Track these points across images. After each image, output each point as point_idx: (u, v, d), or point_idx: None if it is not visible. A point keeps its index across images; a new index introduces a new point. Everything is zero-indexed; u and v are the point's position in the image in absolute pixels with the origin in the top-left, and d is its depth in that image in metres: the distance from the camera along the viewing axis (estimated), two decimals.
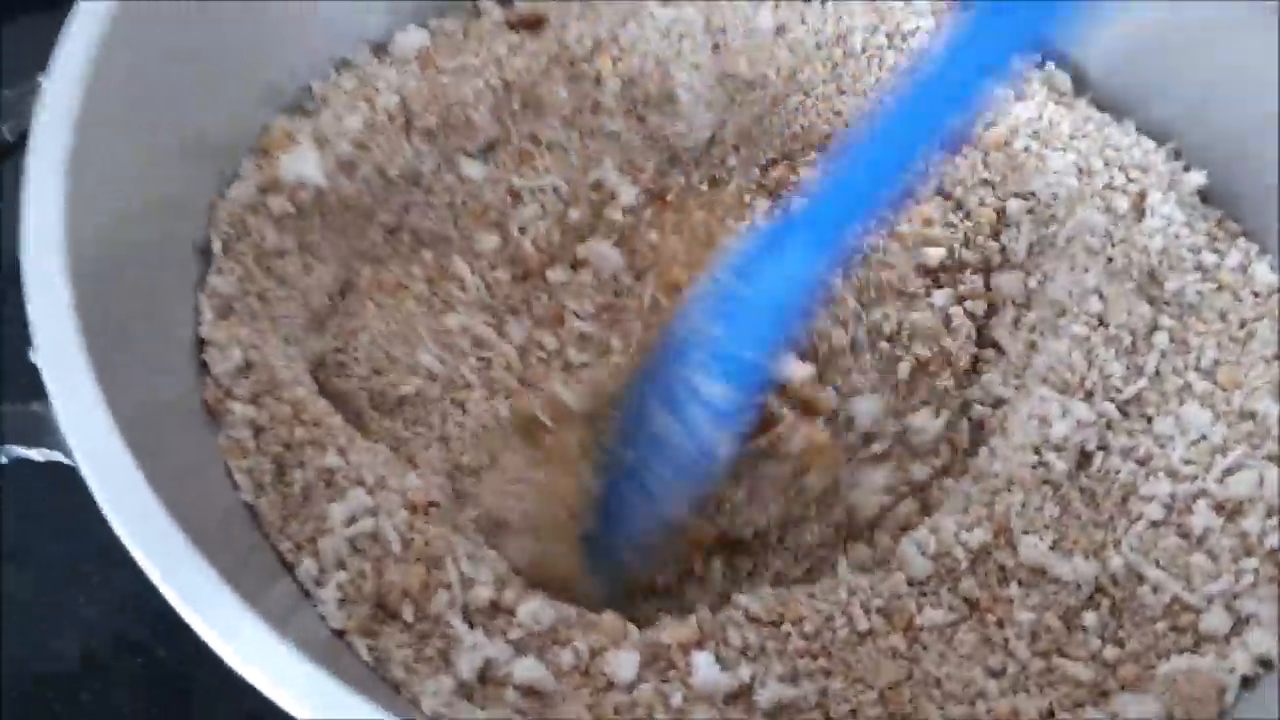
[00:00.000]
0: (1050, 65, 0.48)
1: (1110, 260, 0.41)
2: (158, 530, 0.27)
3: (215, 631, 0.27)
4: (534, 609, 0.34)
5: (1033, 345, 0.41)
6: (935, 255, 0.44)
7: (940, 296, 0.43)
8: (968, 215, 0.45)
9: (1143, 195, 0.43)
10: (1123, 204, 0.43)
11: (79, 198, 0.32)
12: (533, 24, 0.48)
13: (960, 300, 0.44)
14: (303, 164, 0.41)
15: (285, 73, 0.44)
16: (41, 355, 0.29)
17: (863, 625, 0.34)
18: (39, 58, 0.34)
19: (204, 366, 0.36)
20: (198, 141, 0.39)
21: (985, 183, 0.46)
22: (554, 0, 0.48)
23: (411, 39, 0.46)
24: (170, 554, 0.27)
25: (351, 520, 0.34)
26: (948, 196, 0.46)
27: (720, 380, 0.33)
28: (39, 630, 0.41)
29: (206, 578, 0.27)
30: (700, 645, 0.33)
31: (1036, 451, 0.37)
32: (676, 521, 0.37)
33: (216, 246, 0.38)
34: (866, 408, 0.41)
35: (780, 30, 0.48)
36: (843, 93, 0.48)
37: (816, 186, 0.32)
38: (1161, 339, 0.39)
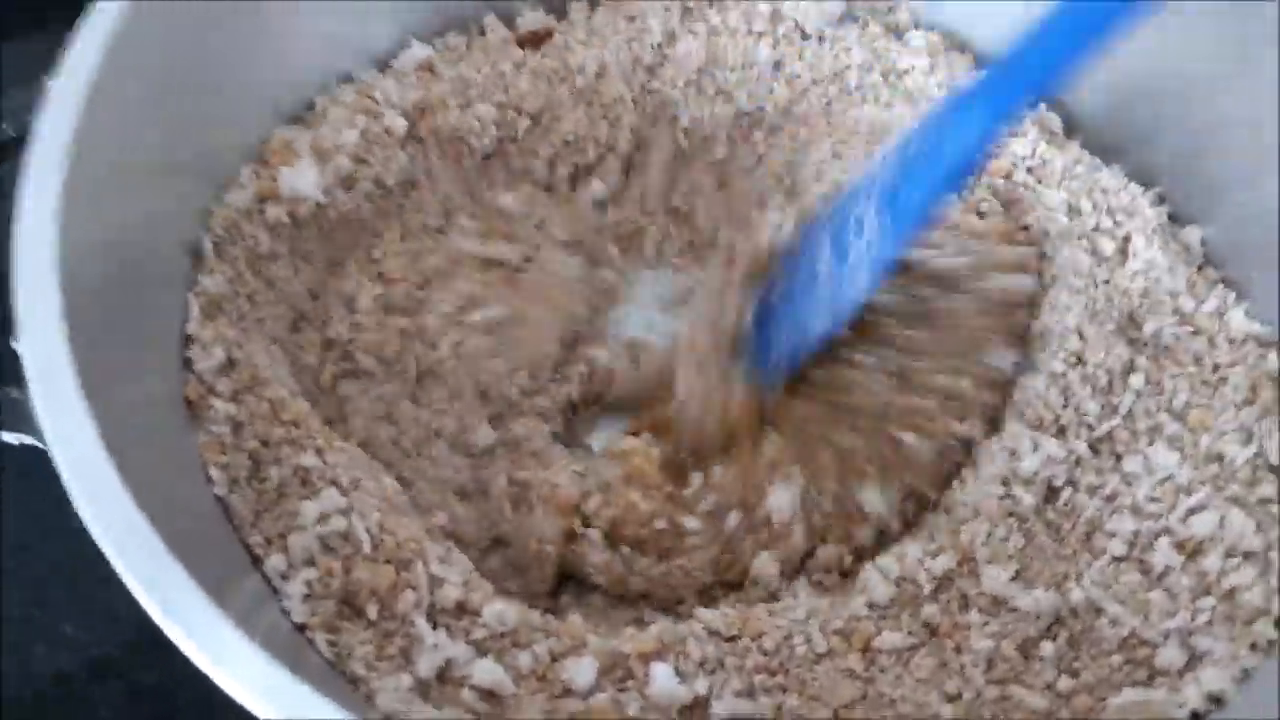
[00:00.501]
0: (1042, 107, 0.49)
1: (1092, 300, 0.42)
2: (125, 520, 0.28)
3: (178, 626, 0.27)
4: (499, 610, 0.34)
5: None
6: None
7: None
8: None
9: (1128, 239, 0.43)
10: (1108, 246, 0.44)
11: (75, 195, 0.33)
12: (539, 40, 0.50)
13: None
14: (301, 180, 0.42)
15: (288, 86, 0.45)
16: (24, 343, 0.29)
17: (821, 645, 0.34)
18: (40, 70, 0.35)
19: (188, 363, 0.36)
20: (198, 149, 0.40)
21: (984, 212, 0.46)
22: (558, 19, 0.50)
23: (415, 54, 0.48)
24: (135, 544, 0.28)
25: (324, 518, 0.35)
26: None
27: (888, 217, 0.36)
28: (19, 648, 0.41)
29: (171, 569, 0.28)
30: (659, 656, 0.34)
31: (1004, 484, 0.37)
32: (821, 338, 0.40)
33: (208, 248, 0.39)
34: None
35: (778, 65, 0.49)
36: (837, 128, 0.49)
37: (989, 68, 0.36)
38: (1137, 380, 0.40)
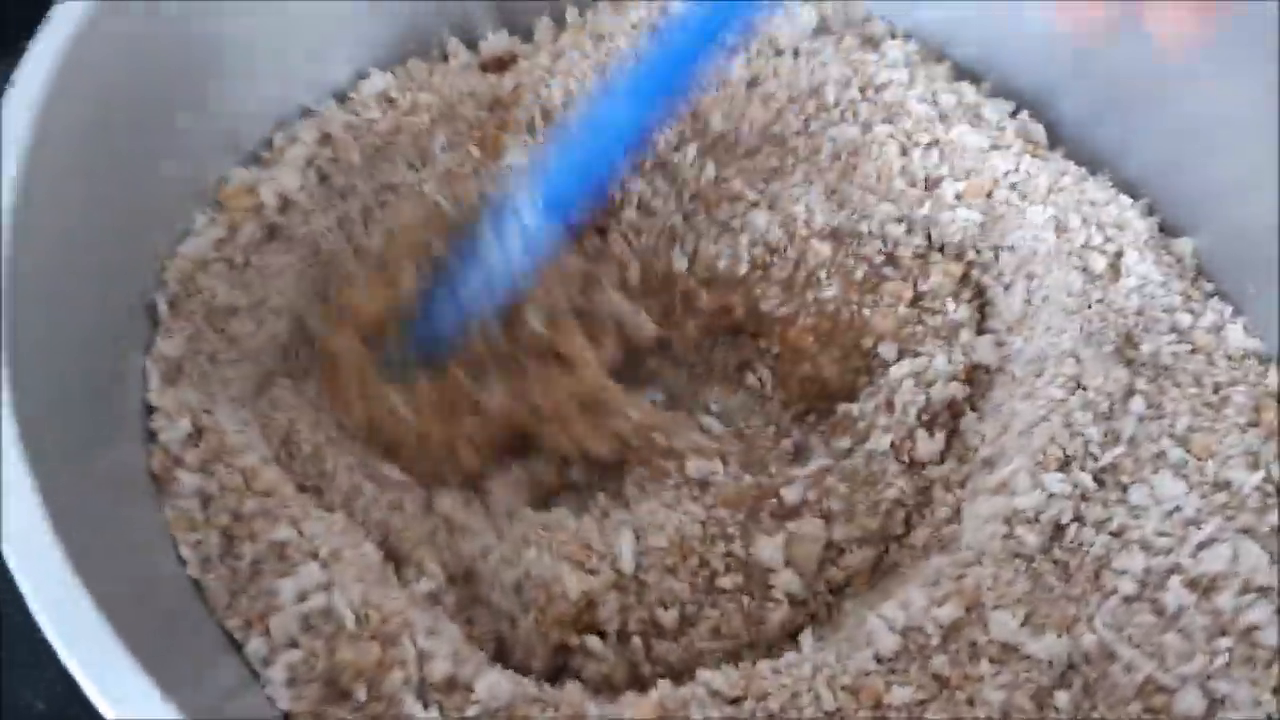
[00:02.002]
0: (1024, 116, 0.48)
1: (1087, 321, 0.41)
2: (77, 614, 0.26)
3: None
4: (491, 683, 0.33)
5: (1011, 410, 0.40)
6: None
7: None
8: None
9: (1119, 254, 0.42)
10: (1100, 264, 0.42)
11: (21, 251, 0.31)
12: (503, 65, 0.48)
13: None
14: (257, 216, 0.40)
15: (244, 121, 0.43)
16: None
17: (829, 703, 0.33)
18: None
19: (151, 434, 0.34)
20: (150, 193, 0.38)
21: (963, 235, 0.45)
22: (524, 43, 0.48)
23: (374, 84, 0.46)
24: (89, 641, 0.26)
25: (303, 596, 0.33)
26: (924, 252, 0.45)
27: (541, 206, 0.39)
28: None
29: (126, 666, 0.26)
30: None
31: (1007, 523, 0.36)
32: (474, 323, 0.42)
33: (163, 307, 0.37)
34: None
35: (753, 83, 0.47)
36: (818, 149, 0.47)
37: (626, 72, 0.39)
38: (1138, 404, 0.38)
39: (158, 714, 0.26)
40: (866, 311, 0.44)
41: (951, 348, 0.42)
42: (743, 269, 0.45)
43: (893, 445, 0.40)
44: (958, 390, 0.41)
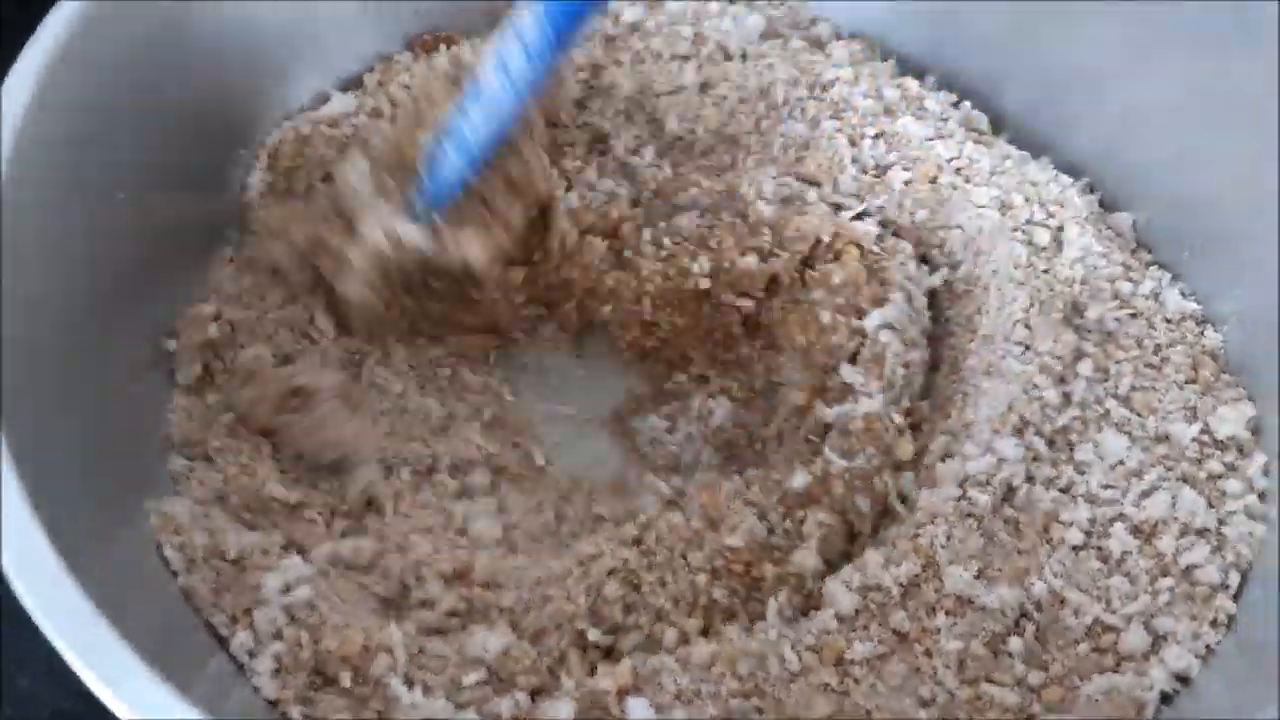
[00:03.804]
0: (967, 105, 0.50)
1: (1035, 291, 0.42)
2: (90, 634, 0.27)
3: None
4: (481, 639, 0.35)
5: (964, 378, 0.42)
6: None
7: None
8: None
9: (1061, 229, 0.44)
10: (1043, 237, 0.44)
11: (5, 267, 0.33)
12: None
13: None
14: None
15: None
16: None
17: (794, 664, 0.34)
18: None
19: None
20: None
21: (912, 218, 0.47)
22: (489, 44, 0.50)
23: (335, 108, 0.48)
24: (98, 647, 0.27)
25: (287, 589, 0.34)
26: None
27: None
28: None
29: (128, 660, 0.27)
30: (635, 691, 0.34)
31: (960, 486, 0.37)
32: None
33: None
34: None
35: (705, 87, 0.50)
36: (767, 145, 0.49)
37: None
38: (1085, 367, 0.40)
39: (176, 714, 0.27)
40: (813, 271, 0.45)
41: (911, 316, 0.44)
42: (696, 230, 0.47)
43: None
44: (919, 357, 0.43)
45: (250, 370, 0.41)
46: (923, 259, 0.46)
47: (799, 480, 0.39)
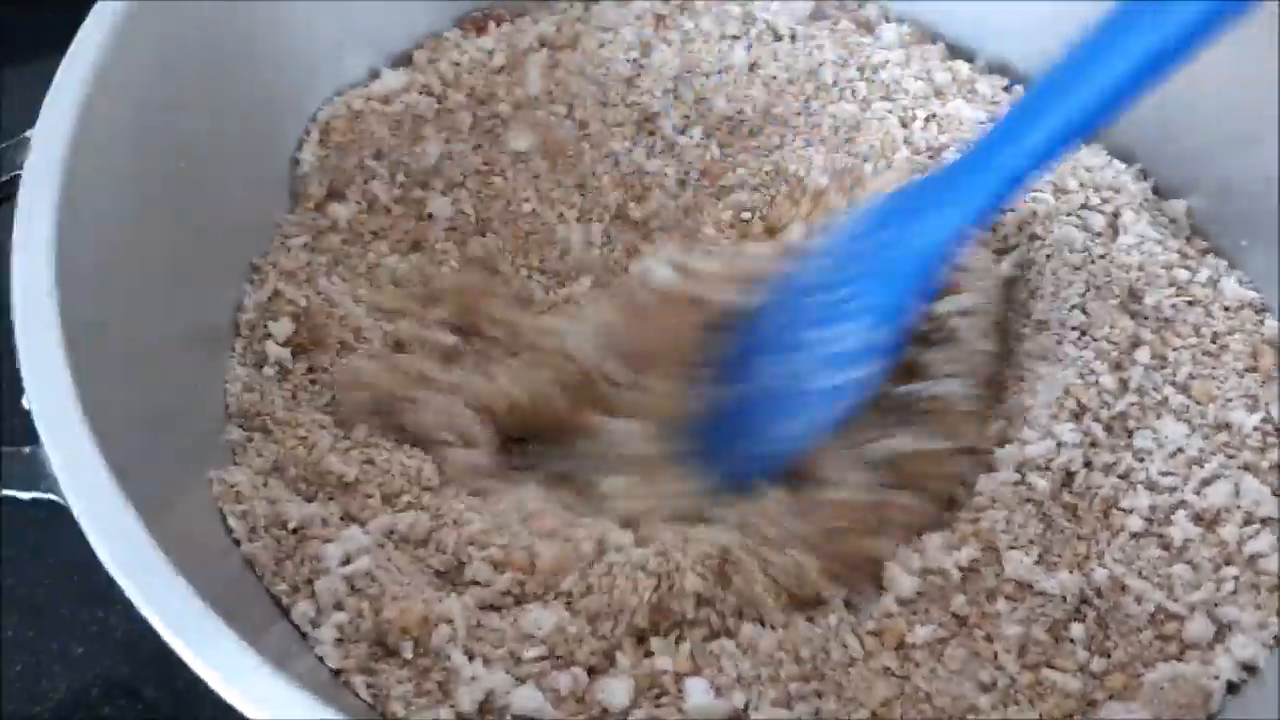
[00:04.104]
0: (1019, 89, 0.50)
1: (1092, 276, 0.42)
2: (158, 578, 0.27)
3: (219, 674, 0.27)
4: (538, 618, 0.34)
5: (1021, 363, 0.41)
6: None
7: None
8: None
9: (1117, 214, 0.44)
10: (1099, 222, 0.44)
11: (70, 240, 0.33)
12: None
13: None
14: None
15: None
16: (34, 401, 0.29)
17: (855, 648, 0.34)
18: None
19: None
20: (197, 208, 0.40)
21: None
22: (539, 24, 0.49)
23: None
24: (169, 598, 0.28)
25: (348, 560, 0.34)
26: None
27: (864, 326, 0.36)
28: (30, 672, 0.41)
29: (207, 621, 0.27)
30: (694, 673, 0.34)
31: (1019, 471, 0.37)
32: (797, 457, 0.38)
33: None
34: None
35: (753, 67, 0.49)
36: (816, 125, 0.49)
37: (961, 154, 0.36)
38: (1143, 354, 0.40)
39: (247, 664, 0.27)
40: None
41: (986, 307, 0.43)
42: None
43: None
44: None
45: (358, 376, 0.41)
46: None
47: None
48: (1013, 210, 0.45)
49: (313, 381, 0.41)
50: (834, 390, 0.36)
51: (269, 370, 0.41)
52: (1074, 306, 0.41)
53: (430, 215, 0.46)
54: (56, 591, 0.43)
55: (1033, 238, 0.44)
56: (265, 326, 0.41)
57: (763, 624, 0.35)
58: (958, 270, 0.42)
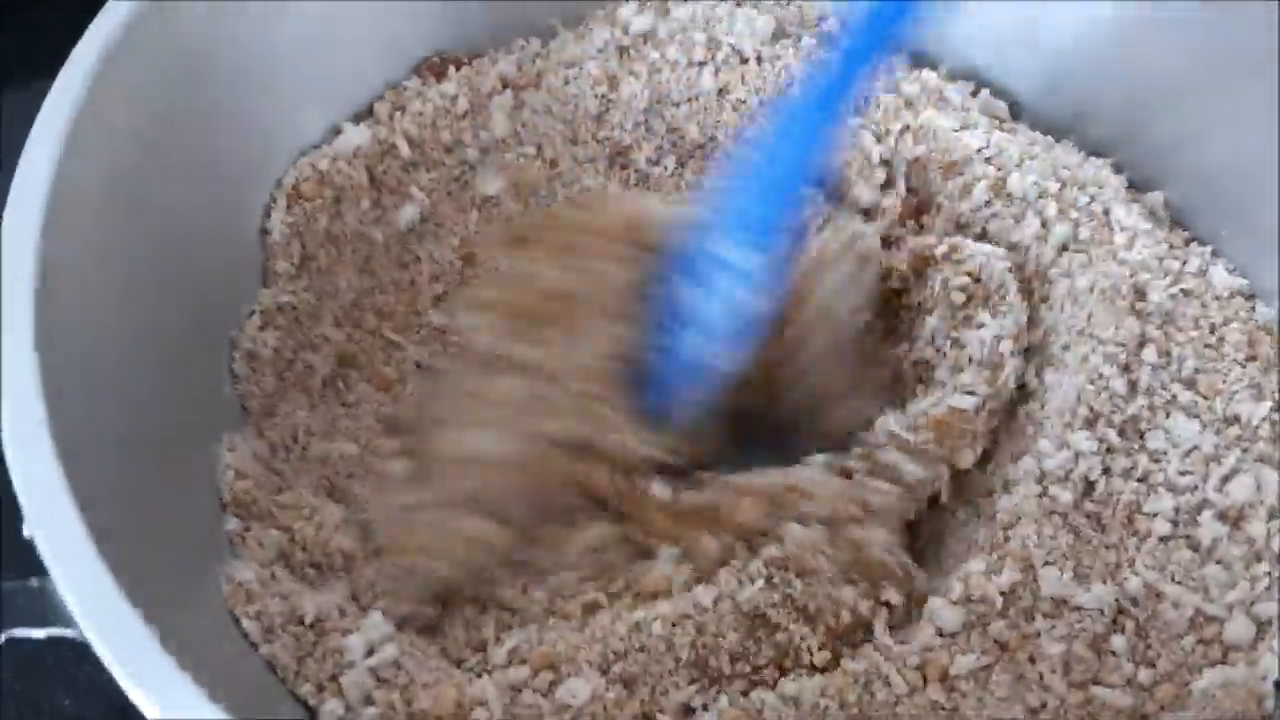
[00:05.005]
0: (986, 93, 0.50)
1: (1101, 276, 0.41)
2: (188, 702, 0.26)
3: None
4: (573, 687, 0.33)
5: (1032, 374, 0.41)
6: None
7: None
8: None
9: (1107, 211, 0.44)
10: (1090, 218, 0.44)
11: (51, 342, 0.31)
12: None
13: None
14: None
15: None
16: (37, 529, 0.27)
17: (899, 685, 0.34)
18: None
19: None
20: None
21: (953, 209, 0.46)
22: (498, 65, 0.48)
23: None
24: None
25: (371, 650, 0.33)
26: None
27: (745, 246, 0.37)
28: None
29: None
30: None
31: (1039, 483, 0.37)
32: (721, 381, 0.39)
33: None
34: None
35: (722, 92, 0.49)
36: None
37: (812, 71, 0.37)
38: (1150, 353, 0.39)
39: None
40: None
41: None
42: None
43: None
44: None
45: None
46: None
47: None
48: (998, 217, 0.45)
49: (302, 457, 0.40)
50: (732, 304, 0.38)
51: (261, 451, 0.39)
52: (1076, 309, 0.41)
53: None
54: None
55: (1025, 241, 0.44)
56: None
57: (804, 670, 0.34)
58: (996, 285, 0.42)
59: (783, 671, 0.34)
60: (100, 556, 0.27)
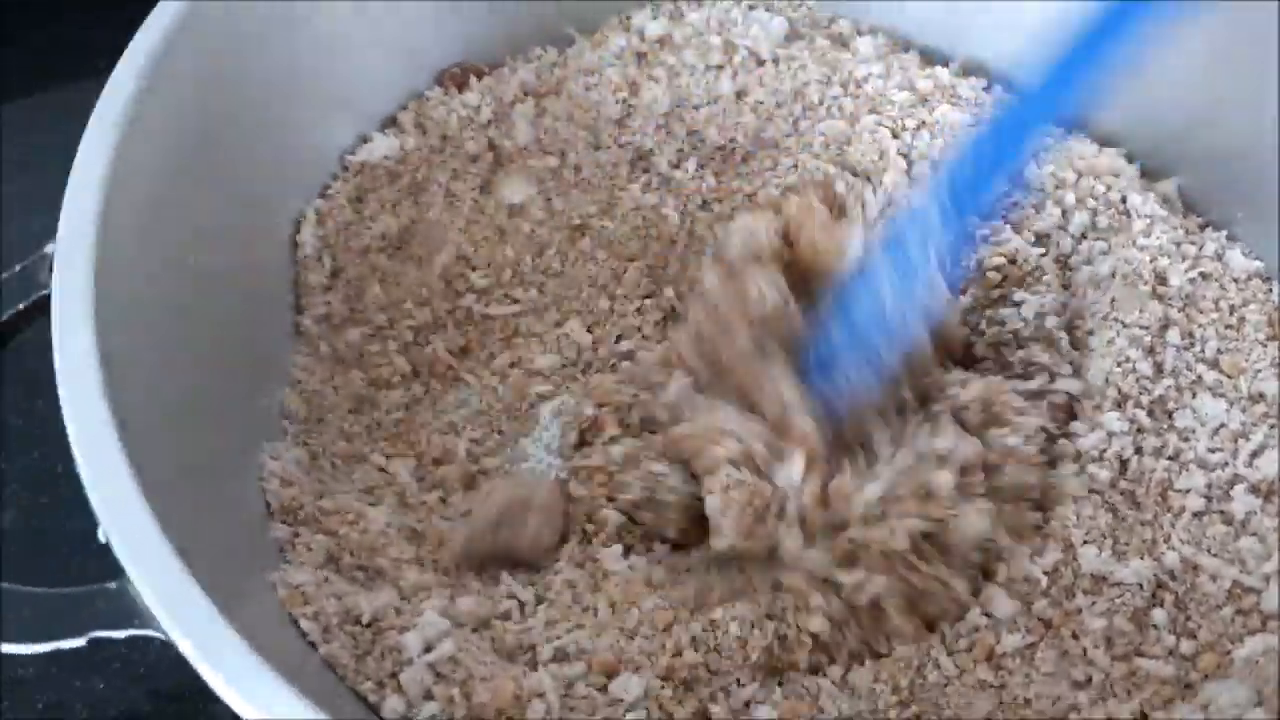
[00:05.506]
0: (999, 89, 0.50)
1: (1122, 262, 0.42)
2: (279, 698, 0.26)
3: None
4: (624, 682, 0.34)
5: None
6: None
7: None
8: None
9: (1124, 198, 0.45)
10: (1108, 206, 0.45)
11: (112, 355, 0.32)
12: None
13: None
14: None
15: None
16: (113, 532, 0.28)
17: (949, 667, 0.34)
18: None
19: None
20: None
21: None
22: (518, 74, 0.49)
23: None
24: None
25: (428, 647, 0.34)
26: None
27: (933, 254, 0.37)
28: None
29: None
30: (796, 717, 0.33)
31: (1076, 462, 0.38)
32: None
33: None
34: None
35: (741, 94, 0.49)
36: (808, 145, 0.49)
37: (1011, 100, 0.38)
38: (1173, 335, 0.40)
39: None
40: None
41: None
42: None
43: None
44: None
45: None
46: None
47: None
48: (1020, 207, 0.46)
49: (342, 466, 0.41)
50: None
51: (303, 459, 0.40)
52: (1100, 293, 0.41)
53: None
54: None
55: (1047, 231, 0.45)
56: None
57: (855, 659, 0.35)
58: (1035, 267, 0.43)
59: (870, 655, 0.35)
60: (181, 566, 0.28)
